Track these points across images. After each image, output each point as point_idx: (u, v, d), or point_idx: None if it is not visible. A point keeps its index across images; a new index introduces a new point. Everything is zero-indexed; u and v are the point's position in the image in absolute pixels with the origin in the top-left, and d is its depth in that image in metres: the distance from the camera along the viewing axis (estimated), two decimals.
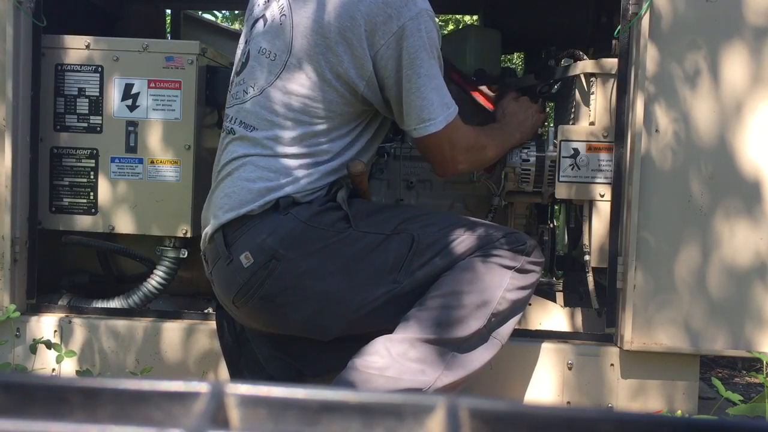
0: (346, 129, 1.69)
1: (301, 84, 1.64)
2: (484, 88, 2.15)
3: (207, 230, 1.72)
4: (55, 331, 2.05)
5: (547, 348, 1.98)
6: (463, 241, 1.67)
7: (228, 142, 1.72)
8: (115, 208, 2.13)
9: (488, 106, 2.15)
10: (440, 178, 2.25)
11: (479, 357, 1.65)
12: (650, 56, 1.88)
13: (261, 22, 1.73)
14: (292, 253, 1.62)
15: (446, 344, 1.60)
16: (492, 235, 1.69)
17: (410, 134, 1.73)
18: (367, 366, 1.56)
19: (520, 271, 1.69)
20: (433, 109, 1.66)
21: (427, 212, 1.80)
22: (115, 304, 2.17)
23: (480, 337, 1.65)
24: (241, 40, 1.81)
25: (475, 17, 3.93)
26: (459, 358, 1.62)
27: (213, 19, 4.51)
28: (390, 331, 1.62)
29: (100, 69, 2.11)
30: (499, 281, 1.65)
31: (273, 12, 1.71)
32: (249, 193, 1.65)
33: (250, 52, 1.73)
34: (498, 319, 1.66)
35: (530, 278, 1.71)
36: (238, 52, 1.80)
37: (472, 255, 1.66)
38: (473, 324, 1.62)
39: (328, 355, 1.73)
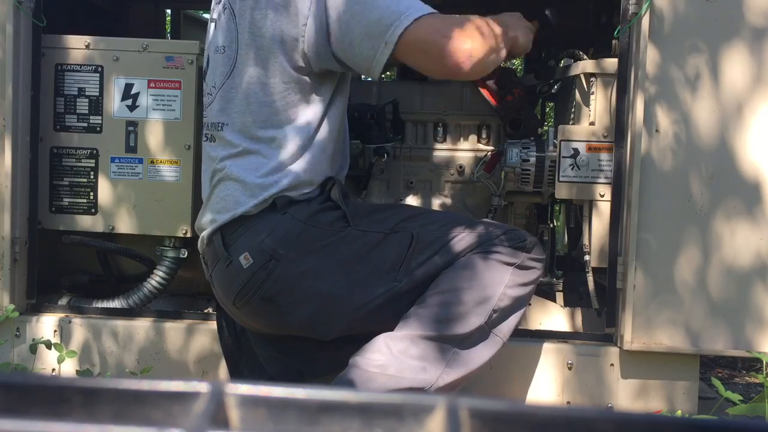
0: (306, 101, 1.67)
1: (254, 63, 1.65)
2: (491, 83, 2.15)
3: (204, 233, 1.73)
4: (55, 331, 2.05)
5: (547, 348, 1.98)
6: (462, 238, 1.67)
7: (210, 148, 1.75)
8: (115, 208, 2.12)
9: (492, 101, 2.15)
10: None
11: (481, 354, 1.65)
12: (650, 56, 1.88)
13: (212, 25, 1.77)
14: (291, 253, 1.62)
15: (447, 341, 1.60)
16: (491, 232, 1.69)
17: (380, 60, 1.59)
18: (368, 364, 1.57)
19: (521, 267, 1.68)
20: (391, 12, 1.57)
21: (426, 211, 1.79)
22: (115, 304, 2.17)
23: (481, 334, 1.65)
24: (206, 45, 1.84)
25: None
26: (460, 355, 1.62)
27: None
28: (391, 329, 1.62)
29: (100, 69, 2.11)
30: (500, 278, 1.65)
31: (219, 11, 1.74)
32: (243, 193, 1.65)
33: (209, 56, 1.77)
34: (499, 315, 1.66)
35: (531, 275, 1.71)
36: (203, 63, 1.84)
37: (471, 252, 1.66)
38: (474, 320, 1.62)
39: (328, 356, 1.73)
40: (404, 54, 1.60)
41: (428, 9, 1.60)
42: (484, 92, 2.16)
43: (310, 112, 1.68)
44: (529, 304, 2.21)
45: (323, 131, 1.70)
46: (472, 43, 1.59)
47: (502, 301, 1.65)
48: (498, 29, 1.68)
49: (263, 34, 1.63)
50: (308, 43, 1.62)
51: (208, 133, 1.76)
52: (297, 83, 1.65)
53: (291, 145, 1.66)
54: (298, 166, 1.66)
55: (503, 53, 1.71)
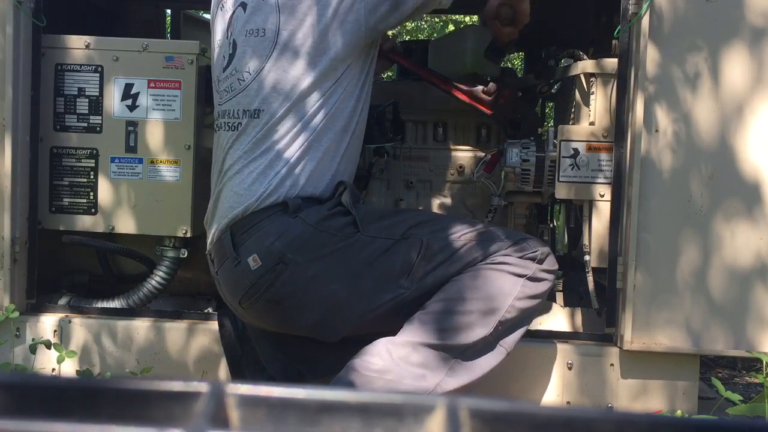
0: (336, 101, 1.67)
1: (295, 52, 1.64)
2: (479, 91, 2.14)
3: (214, 230, 1.71)
4: (55, 331, 2.05)
5: (547, 348, 1.98)
6: (473, 247, 1.65)
7: (234, 139, 1.70)
8: (115, 208, 2.12)
9: (484, 109, 2.15)
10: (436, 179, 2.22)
11: (483, 364, 1.63)
12: (650, 56, 1.88)
13: (240, 9, 1.72)
14: (299, 258, 1.61)
15: (450, 350, 1.59)
16: (504, 241, 1.67)
17: None
18: (366, 368, 1.55)
19: (532, 279, 1.66)
20: None
21: (437, 217, 1.77)
22: (115, 304, 2.17)
23: (485, 344, 1.63)
24: (218, 37, 1.79)
25: (475, 17, 3.93)
26: (462, 364, 1.60)
27: None
28: (396, 333, 1.61)
29: (100, 69, 2.11)
30: (510, 289, 1.63)
31: None
32: (259, 190, 1.63)
33: (236, 42, 1.71)
34: (505, 327, 1.64)
35: (542, 287, 1.69)
36: (218, 50, 1.78)
37: (482, 262, 1.65)
38: (479, 331, 1.60)
39: (330, 357, 1.73)
40: None
41: None
42: (460, 95, 2.15)
43: (336, 113, 1.67)
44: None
45: (345, 134, 1.69)
46: None
47: (510, 312, 1.62)
48: None
49: (310, 16, 1.62)
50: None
51: (231, 121, 1.71)
52: (331, 80, 1.64)
53: (313, 145, 1.65)
54: (315, 167, 1.65)
55: None
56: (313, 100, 1.64)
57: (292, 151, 1.64)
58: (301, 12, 1.63)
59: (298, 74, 1.64)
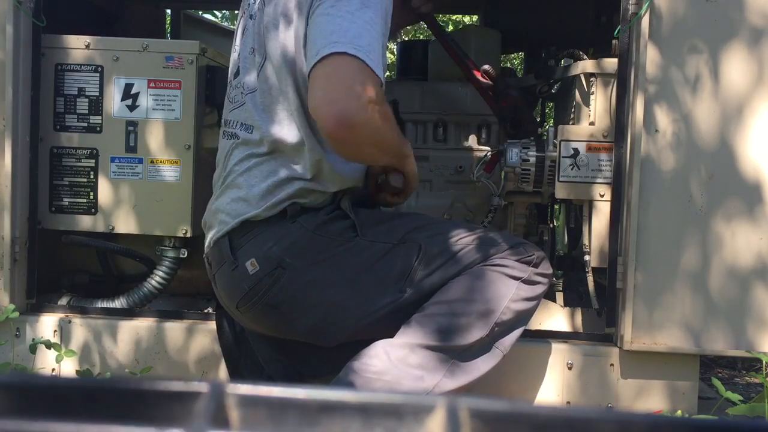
0: None
1: (278, 70, 1.63)
2: (487, 83, 2.15)
3: (212, 234, 1.71)
4: (55, 331, 2.05)
5: (547, 348, 1.98)
6: (470, 251, 1.66)
7: (233, 147, 1.70)
8: (115, 208, 2.13)
9: (489, 102, 2.15)
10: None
11: (480, 366, 1.64)
12: (650, 56, 1.88)
13: (250, 22, 1.73)
14: (297, 262, 1.61)
15: (447, 351, 1.59)
16: (500, 245, 1.68)
17: (310, 63, 1.48)
18: (365, 369, 1.56)
19: (527, 282, 1.67)
20: (347, 35, 1.46)
21: (435, 221, 1.78)
22: (115, 303, 2.17)
23: (482, 346, 1.63)
24: (236, 43, 1.80)
25: (475, 17, 3.94)
26: (459, 366, 1.61)
27: (213, 19, 4.51)
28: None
29: (100, 69, 2.11)
30: (505, 291, 1.64)
31: (254, 11, 1.70)
32: (257, 198, 1.63)
33: (241, 55, 1.73)
34: (502, 329, 1.65)
35: (537, 289, 1.70)
36: (233, 56, 1.79)
37: (478, 264, 1.65)
38: (475, 333, 1.61)
39: (328, 358, 1.73)
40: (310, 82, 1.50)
41: (373, 58, 1.47)
42: (477, 74, 2.16)
43: None
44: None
45: (346, 164, 1.68)
46: (370, 115, 1.45)
47: (506, 314, 1.63)
48: (398, 139, 1.64)
49: (284, 41, 1.60)
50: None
51: (231, 131, 1.71)
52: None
53: (309, 154, 1.64)
54: (314, 175, 1.64)
55: (383, 157, 1.64)
56: (303, 118, 1.62)
57: (291, 163, 1.63)
58: (279, 38, 1.62)
59: (284, 96, 1.63)
